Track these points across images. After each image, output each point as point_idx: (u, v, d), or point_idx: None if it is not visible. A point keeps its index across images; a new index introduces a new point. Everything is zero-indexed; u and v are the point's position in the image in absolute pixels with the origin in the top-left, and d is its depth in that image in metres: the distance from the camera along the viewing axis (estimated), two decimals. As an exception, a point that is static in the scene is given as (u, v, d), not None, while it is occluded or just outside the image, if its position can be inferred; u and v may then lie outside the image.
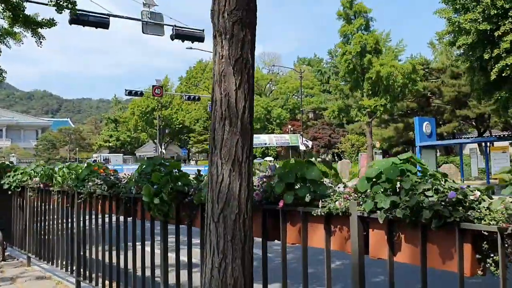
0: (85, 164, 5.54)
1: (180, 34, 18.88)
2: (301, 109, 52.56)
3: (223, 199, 2.58)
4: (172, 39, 19.12)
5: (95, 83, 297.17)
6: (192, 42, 19.92)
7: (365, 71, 28.99)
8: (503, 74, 20.40)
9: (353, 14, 29.66)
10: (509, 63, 19.89)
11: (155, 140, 77.53)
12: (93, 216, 4.98)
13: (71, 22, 15.70)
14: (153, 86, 33.11)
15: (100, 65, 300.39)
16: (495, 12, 19.93)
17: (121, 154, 72.56)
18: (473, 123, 34.56)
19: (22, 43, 11.42)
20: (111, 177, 4.84)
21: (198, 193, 3.29)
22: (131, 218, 4.28)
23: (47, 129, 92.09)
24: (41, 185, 6.16)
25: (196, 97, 36.89)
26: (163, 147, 74.58)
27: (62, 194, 5.65)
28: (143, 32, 18.40)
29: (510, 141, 25.85)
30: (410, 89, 28.55)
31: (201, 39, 19.64)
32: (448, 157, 31.82)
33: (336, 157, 57.99)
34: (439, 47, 60.28)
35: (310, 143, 47.66)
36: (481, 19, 20.48)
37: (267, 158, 59.63)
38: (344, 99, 30.61)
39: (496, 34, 20.10)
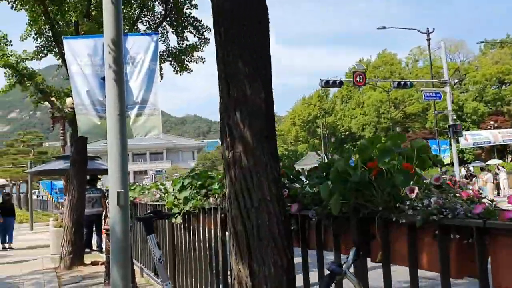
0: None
1: None
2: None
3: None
4: None
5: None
6: None
7: None
8: None
9: None
10: None
11: (319, 152, 69.36)
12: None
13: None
14: (353, 72, 24.29)
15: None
16: None
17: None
18: None
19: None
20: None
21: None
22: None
23: (202, 149, 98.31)
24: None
25: (408, 83, 26.86)
26: (328, 157, 66.03)
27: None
28: None
29: None
30: None
31: None
32: None
33: None
34: None
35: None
36: None
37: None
38: None
39: None
